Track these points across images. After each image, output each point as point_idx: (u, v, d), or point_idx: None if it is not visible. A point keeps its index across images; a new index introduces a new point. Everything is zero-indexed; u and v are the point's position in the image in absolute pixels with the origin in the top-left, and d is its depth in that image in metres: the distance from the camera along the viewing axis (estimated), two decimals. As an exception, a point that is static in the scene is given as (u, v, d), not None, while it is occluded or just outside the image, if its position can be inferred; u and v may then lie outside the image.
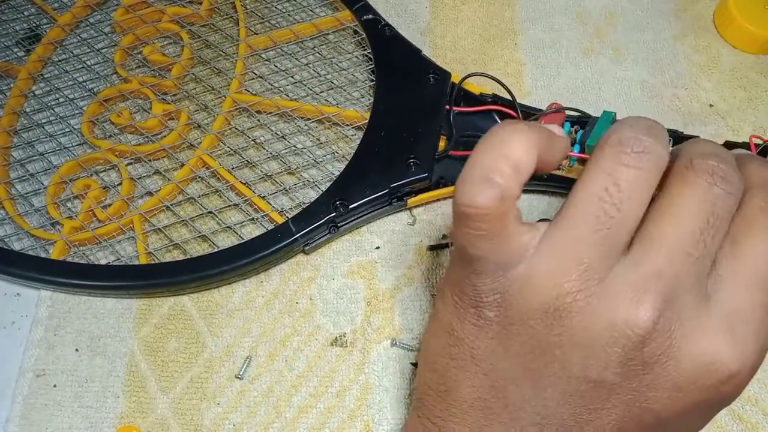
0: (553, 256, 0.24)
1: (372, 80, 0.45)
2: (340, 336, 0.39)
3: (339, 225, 0.40)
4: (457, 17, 0.50)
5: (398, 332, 0.39)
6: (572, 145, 0.36)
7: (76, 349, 0.39)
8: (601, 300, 0.23)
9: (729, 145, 0.41)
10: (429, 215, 0.42)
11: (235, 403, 0.37)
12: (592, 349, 0.24)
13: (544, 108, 0.42)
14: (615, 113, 0.36)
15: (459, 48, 0.49)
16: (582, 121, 0.41)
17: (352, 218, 0.40)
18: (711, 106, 0.46)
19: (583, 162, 0.36)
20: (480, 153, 0.25)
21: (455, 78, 0.44)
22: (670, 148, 0.25)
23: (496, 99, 0.43)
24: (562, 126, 0.39)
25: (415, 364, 0.38)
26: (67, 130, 0.45)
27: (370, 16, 0.46)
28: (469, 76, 0.42)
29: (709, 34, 0.49)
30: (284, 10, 0.50)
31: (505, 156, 0.24)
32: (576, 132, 0.39)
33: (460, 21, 0.50)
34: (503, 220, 0.24)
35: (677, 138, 0.40)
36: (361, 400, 0.37)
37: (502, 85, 0.42)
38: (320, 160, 0.43)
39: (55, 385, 0.38)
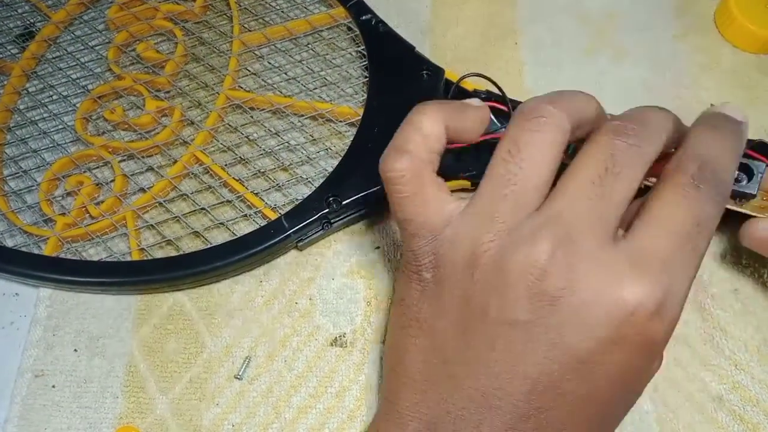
0: (471, 215, 0.28)
1: (365, 77, 0.45)
2: (340, 336, 0.38)
3: (332, 221, 0.39)
4: (458, 17, 0.50)
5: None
6: None
7: (75, 350, 0.38)
8: (509, 246, 0.26)
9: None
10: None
11: (234, 403, 0.36)
12: (504, 290, 0.26)
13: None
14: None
15: (460, 47, 0.48)
16: None
17: (345, 214, 0.40)
18: (712, 105, 0.46)
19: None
20: (397, 132, 0.30)
21: (449, 75, 0.43)
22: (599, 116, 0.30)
23: (489, 95, 0.42)
24: None
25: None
26: (60, 127, 0.45)
27: (365, 14, 0.46)
28: (464, 77, 0.42)
29: (710, 33, 0.49)
30: (278, 7, 0.49)
31: (416, 128, 0.29)
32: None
33: (460, 20, 0.50)
34: (420, 184, 0.29)
35: None
36: (360, 401, 0.36)
37: (493, 82, 0.42)
38: (313, 156, 0.42)
39: (53, 386, 0.37)
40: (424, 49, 0.47)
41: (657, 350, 0.27)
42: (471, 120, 0.31)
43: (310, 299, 0.39)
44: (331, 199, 0.39)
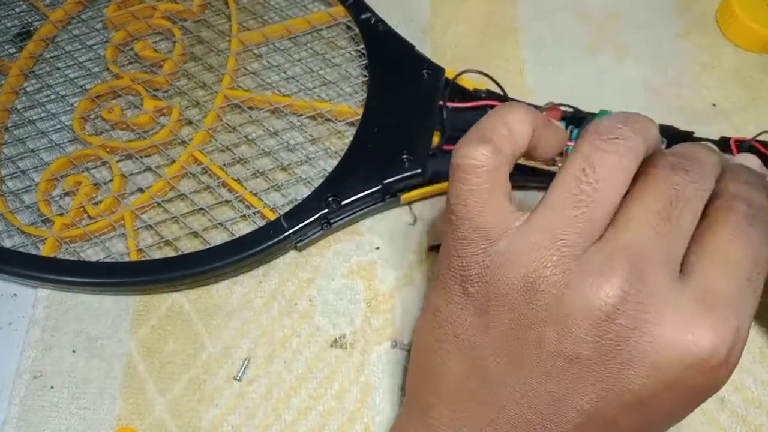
0: (533, 233, 0.25)
1: (365, 76, 0.44)
2: (340, 337, 0.38)
3: (331, 221, 0.39)
4: (459, 15, 0.49)
5: (399, 333, 0.38)
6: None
7: (74, 351, 0.38)
8: (574, 275, 0.24)
9: (723, 141, 0.41)
10: (430, 214, 0.41)
11: (233, 404, 0.36)
12: (566, 323, 0.24)
13: (538, 106, 0.41)
14: (611, 112, 0.35)
15: (460, 45, 0.48)
16: (578, 119, 0.41)
17: (345, 214, 0.40)
18: (714, 105, 0.46)
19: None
20: (482, 119, 0.28)
21: (449, 74, 0.43)
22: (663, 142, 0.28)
23: (490, 94, 0.42)
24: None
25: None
26: (58, 126, 0.44)
27: (364, 13, 0.46)
28: (462, 72, 0.42)
29: (712, 32, 0.48)
30: (277, 6, 0.49)
31: (504, 121, 0.27)
32: (572, 131, 0.39)
33: (461, 18, 0.49)
34: (492, 180, 0.26)
35: (673, 135, 0.40)
36: (361, 402, 0.36)
37: (494, 81, 0.41)
38: (312, 156, 0.42)
39: (52, 387, 0.37)
40: (424, 47, 0.47)
41: (715, 392, 0.25)
42: (553, 139, 0.29)
43: (309, 300, 0.39)
44: (330, 199, 0.39)
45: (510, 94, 0.43)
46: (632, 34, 0.48)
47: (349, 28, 0.47)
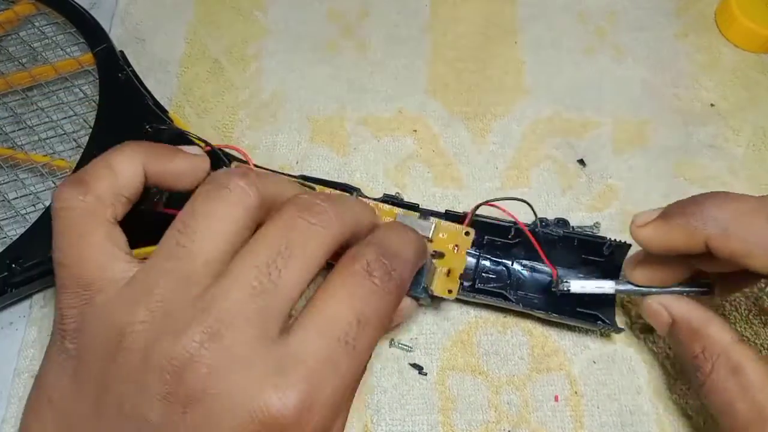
0: (131, 286, 0.24)
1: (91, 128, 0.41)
2: (337, 336, 0.38)
3: (13, 285, 0.37)
4: (458, 15, 0.50)
5: (396, 333, 0.38)
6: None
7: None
8: (158, 331, 0.23)
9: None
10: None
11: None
12: (142, 383, 0.23)
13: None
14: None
15: (459, 46, 0.48)
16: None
17: (30, 279, 0.37)
18: (712, 105, 0.46)
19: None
20: (88, 164, 0.27)
21: (178, 121, 0.41)
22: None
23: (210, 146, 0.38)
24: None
25: (413, 365, 0.37)
26: None
27: (110, 61, 0.43)
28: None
29: (710, 32, 0.48)
30: (33, 50, 0.46)
31: (106, 163, 0.27)
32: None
33: (460, 19, 0.49)
34: (86, 224, 0.25)
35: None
36: (359, 401, 0.36)
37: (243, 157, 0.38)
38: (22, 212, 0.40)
39: (49, 386, 0.37)
40: (424, 47, 0.47)
41: None
42: (180, 166, 0.29)
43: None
44: (12, 263, 0.36)
45: (509, 95, 0.43)
46: (631, 34, 0.49)
47: (94, 76, 0.44)
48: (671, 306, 0.32)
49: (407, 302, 0.31)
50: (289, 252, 0.24)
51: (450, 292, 0.34)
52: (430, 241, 0.35)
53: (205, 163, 0.31)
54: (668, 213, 0.31)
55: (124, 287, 0.24)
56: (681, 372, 0.36)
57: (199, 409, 0.22)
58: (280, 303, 0.24)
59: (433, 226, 0.35)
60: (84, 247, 0.25)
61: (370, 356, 0.26)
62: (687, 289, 0.33)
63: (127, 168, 0.27)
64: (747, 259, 0.28)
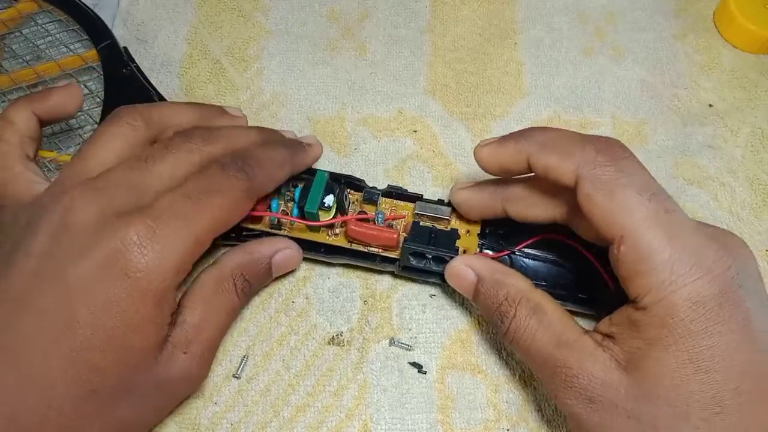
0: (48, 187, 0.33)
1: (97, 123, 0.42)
2: (337, 335, 0.38)
3: None
4: (457, 16, 0.50)
5: (396, 331, 0.38)
6: (292, 203, 0.38)
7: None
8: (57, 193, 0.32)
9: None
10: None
11: (232, 402, 0.36)
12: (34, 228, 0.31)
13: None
14: (328, 173, 0.38)
15: (459, 47, 0.48)
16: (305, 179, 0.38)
17: None
18: (710, 106, 0.46)
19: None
20: None
21: None
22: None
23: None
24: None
25: (412, 364, 0.37)
26: None
27: (114, 56, 0.44)
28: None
29: (709, 33, 0.49)
30: (36, 47, 0.46)
31: (3, 119, 0.35)
32: (294, 189, 0.38)
33: (460, 20, 0.50)
34: (8, 160, 0.33)
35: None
36: (359, 399, 0.36)
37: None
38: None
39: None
40: (424, 48, 0.47)
41: (139, 285, 0.29)
42: (57, 98, 0.36)
43: (306, 298, 0.39)
44: None
45: (509, 95, 0.43)
46: (630, 35, 0.49)
47: (99, 72, 0.45)
48: (475, 264, 0.35)
49: (293, 251, 0.37)
50: (162, 154, 0.33)
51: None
52: (448, 221, 0.38)
53: (76, 89, 0.37)
54: (504, 137, 0.34)
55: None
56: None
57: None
58: (153, 180, 0.32)
59: (450, 210, 0.39)
60: (9, 177, 0.33)
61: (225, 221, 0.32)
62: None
63: (19, 116, 0.35)
64: (556, 173, 0.31)
